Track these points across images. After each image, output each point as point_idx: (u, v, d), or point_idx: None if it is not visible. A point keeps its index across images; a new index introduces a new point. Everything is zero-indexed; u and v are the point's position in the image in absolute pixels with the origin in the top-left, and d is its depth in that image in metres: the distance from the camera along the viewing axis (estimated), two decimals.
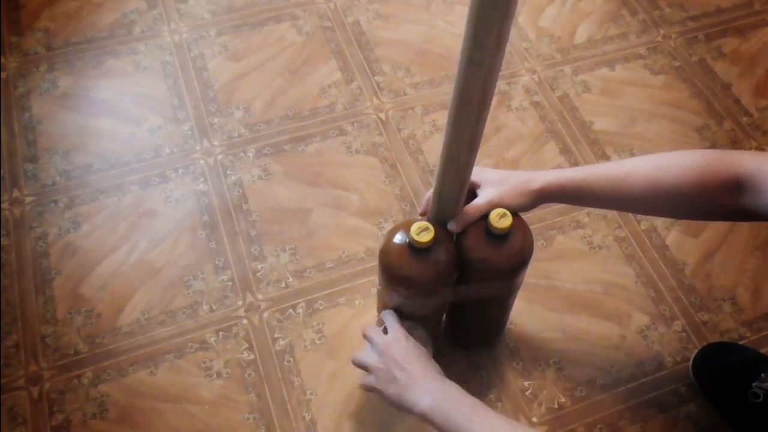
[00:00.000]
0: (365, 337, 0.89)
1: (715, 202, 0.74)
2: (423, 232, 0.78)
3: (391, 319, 0.88)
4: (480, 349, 1.08)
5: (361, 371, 0.89)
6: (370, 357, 0.85)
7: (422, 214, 0.88)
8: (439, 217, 0.83)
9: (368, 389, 0.86)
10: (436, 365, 0.83)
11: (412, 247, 0.80)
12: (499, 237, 0.81)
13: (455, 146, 0.72)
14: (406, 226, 0.82)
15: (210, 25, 1.47)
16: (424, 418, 0.77)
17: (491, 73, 0.63)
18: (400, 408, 0.81)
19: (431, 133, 1.32)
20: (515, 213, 0.82)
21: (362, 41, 1.46)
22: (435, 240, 0.79)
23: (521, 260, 0.85)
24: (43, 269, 1.13)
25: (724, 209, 0.75)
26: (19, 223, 1.18)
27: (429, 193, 0.84)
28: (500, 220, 0.80)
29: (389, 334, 0.86)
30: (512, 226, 0.80)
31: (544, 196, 0.83)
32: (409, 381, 0.79)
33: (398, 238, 0.82)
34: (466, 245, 0.83)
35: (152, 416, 1.01)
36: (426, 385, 0.78)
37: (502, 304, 0.97)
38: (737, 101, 1.42)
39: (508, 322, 1.11)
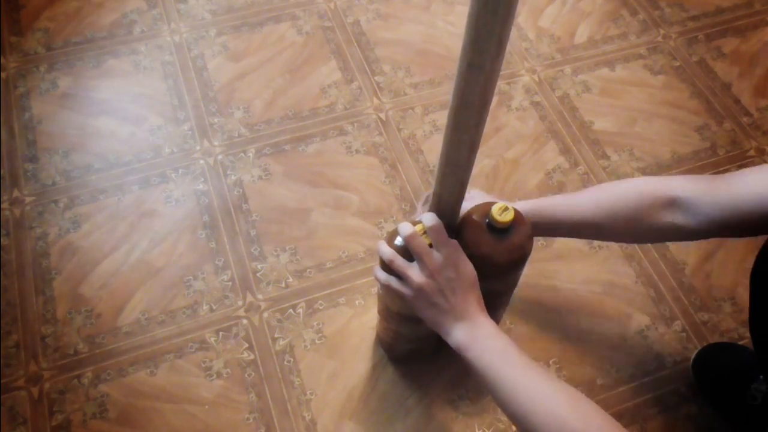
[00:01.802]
0: (415, 251, 0.78)
1: (652, 219, 0.85)
2: (424, 234, 0.78)
3: (443, 239, 0.78)
4: None
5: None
6: (413, 272, 0.79)
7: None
8: (439, 217, 0.83)
9: (395, 293, 0.80)
10: (481, 301, 0.79)
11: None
12: (500, 231, 0.81)
13: (455, 149, 0.71)
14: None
15: (210, 25, 1.47)
16: (456, 350, 0.77)
17: (491, 76, 0.63)
18: (433, 328, 0.80)
19: (431, 133, 1.32)
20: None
21: (362, 41, 1.46)
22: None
23: (522, 254, 0.85)
24: (43, 269, 1.13)
25: (661, 226, 0.85)
26: (19, 223, 1.18)
27: (425, 197, 0.85)
28: (502, 214, 0.80)
29: (442, 257, 0.77)
30: (514, 220, 0.80)
31: None
32: (448, 311, 0.77)
33: (399, 240, 0.82)
34: (467, 240, 0.83)
35: (152, 416, 1.01)
36: (462, 320, 0.77)
37: (499, 300, 0.96)
38: (737, 101, 1.42)
39: (508, 322, 1.11)
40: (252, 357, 1.06)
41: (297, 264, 1.16)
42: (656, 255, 1.19)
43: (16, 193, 1.21)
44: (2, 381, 1.02)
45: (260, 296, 1.12)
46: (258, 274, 1.14)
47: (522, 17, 1.53)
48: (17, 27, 1.44)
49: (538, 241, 1.20)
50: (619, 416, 1.04)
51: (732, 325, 1.13)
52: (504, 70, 1.43)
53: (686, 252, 1.20)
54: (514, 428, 1.02)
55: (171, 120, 1.32)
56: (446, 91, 1.39)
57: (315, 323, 1.10)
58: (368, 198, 1.24)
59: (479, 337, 0.76)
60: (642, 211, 0.86)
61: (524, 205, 0.93)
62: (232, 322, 1.09)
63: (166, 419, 1.00)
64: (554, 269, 1.17)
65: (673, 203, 0.84)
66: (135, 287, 1.12)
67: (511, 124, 1.35)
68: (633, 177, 1.28)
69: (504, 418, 1.03)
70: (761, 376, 0.97)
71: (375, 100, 1.37)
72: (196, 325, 1.09)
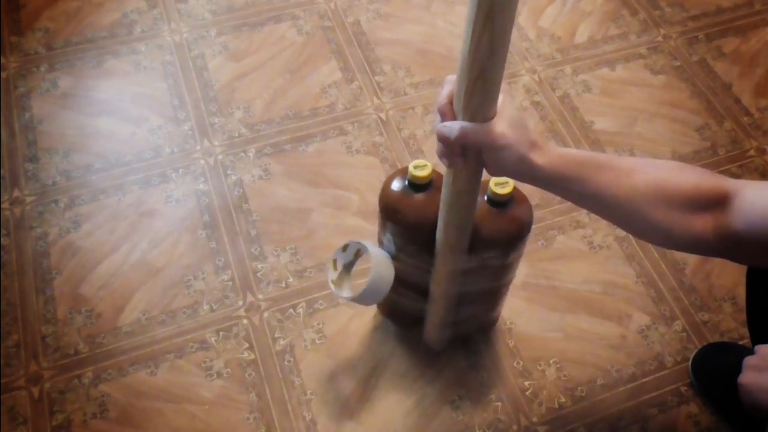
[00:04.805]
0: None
1: (702, 216, 0.69)
2: (418, 168, 0.84)
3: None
4: (475, 338, 1.08)
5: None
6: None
7: (443, 114, 0.76)
8: (477, 117, 0.74)
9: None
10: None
11: (412, 185, 0.86)
12: (499, 204, 0.85)
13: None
14: (402, 171, 0.88)
15: (210, 25, 1.47)
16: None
17: None
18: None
19: (431, 133, 1.32)
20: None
21: (362, 41, 1.46)
22: (433, 178, 0.86)
23: (521, 229, 0.87)
24: (43, 269, 1.13)
25: (707, 229, 0.70)
26: (20, 223, 1.18)
27: (446, 90, 0.75)
28: (499, 187, 0.83)
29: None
30: (513, 194, 0.84)
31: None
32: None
33: (396, 183, 0.88)
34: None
35: (152, 416, 1.01)
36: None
37: (497, 281, 0.97)
38: (737, 101, 1.41)
39: (508, 322, 1.11)
40: (252, 357, 1.06)
41: (297, 264, 1.16)
42: (656, 255, 1.19)
43: (16, 193, 1.21)
44: (2, 381, 1.03)
45: (260, 296, 1.12)
46: (258, 274, 1.14)
47: (522, 17, 1.53)
48: (17, 27, 1.44)
49: (538, 241, 1.20)
50: (619, 416, 1.04)
51: (732, 325, 1.13)
52: (504, 70, 1.43)
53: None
54: (513, 427, 1.02)
55: (171, 120, 1.32)
56: None
57: (315, 323, 1.10)
58: (368, 198, 1.24)
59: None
60: (697, 202, 0.70)
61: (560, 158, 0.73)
62: (232, 322, 1.09)
63: (167, 419, 1.00)
64: (554, 269, 1.17)
65: (725, 200, 0.69)
66: (135, 287, 1.12)
67: None
68: None
69: (503, 417, 1.03)
70: None
71: (375, 100, 1.37)
72: (196, 324, 1.09)
